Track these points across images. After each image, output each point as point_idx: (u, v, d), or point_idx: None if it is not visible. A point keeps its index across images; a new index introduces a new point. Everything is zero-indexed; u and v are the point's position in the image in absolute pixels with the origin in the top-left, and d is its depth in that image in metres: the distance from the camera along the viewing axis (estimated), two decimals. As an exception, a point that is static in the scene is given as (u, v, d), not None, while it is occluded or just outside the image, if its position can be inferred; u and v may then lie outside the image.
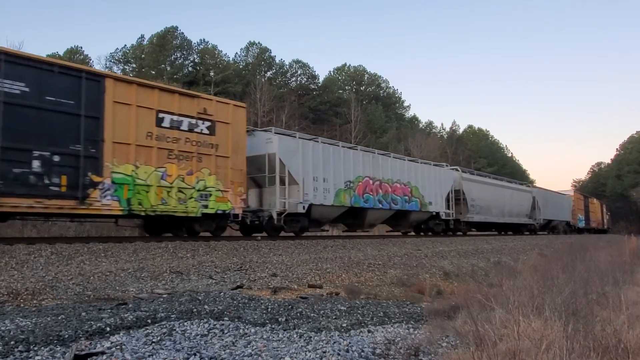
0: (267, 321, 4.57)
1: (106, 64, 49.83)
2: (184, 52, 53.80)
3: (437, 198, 20.98)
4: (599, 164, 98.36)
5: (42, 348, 3.37)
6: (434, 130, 75.35)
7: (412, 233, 21.57)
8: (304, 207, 14.34)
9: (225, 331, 4.02)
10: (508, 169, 79.36)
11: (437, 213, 21.08)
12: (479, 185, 25.02)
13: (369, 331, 4.44)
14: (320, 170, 15.14)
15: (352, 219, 17.49)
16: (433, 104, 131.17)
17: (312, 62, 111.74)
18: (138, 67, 51.22)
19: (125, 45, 55.07)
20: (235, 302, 5.34)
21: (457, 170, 24.11)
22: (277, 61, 59.19)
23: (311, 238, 15.04)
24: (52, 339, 3.56)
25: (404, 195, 18.96)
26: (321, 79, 63.47)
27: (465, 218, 23.11)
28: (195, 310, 4.77)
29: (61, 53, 45.57)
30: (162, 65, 50.79)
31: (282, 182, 13.96)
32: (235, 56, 58.33)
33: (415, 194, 19.57)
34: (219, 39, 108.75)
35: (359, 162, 16.88)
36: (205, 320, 4.33)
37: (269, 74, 57.47)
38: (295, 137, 15.23)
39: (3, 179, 8.68)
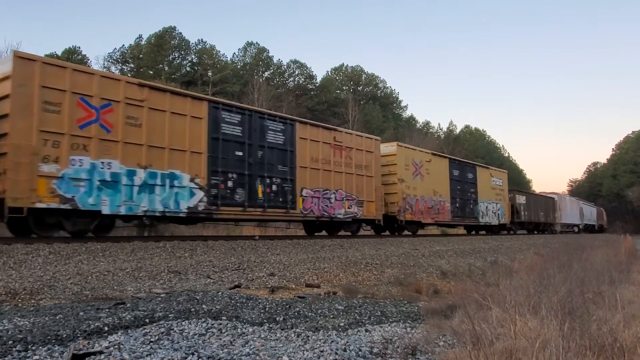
0: (264, 320, 4.58)
1: (104, 64, 49.77)
2: (182, 52, 53.80)
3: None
4: (595, 163, 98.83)
5: (40, 348, 3.36)
6: (431, 130, 75.58)
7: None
8: None
9: (223, 330, 4.02)
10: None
11: None
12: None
13: (366, 330, 4.45)
14: None
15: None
16: (430, 104, 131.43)
17: (310, 62, 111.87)
18: (136, 67, 51.14)
19: (124, 45, 55.05)
20: (233, 301, 5.34)
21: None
22: (275, 61, 59.26)
23: (309, 238, 15.06)
24: (50, 339, 3.56)
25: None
26: (319, 79, 63.61)
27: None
28: (193, 309, 4.77)
29: (59, 53, 45.45)
30: (160, 66, 50.74)
31: None
32: (233, 56, 58.44)
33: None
34: (217, 39, 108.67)
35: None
36: (203, 319, 4.34)
37: (266, 74, 57.50)
38: None
39: None
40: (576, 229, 45.04)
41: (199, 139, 12.21)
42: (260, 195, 13.57)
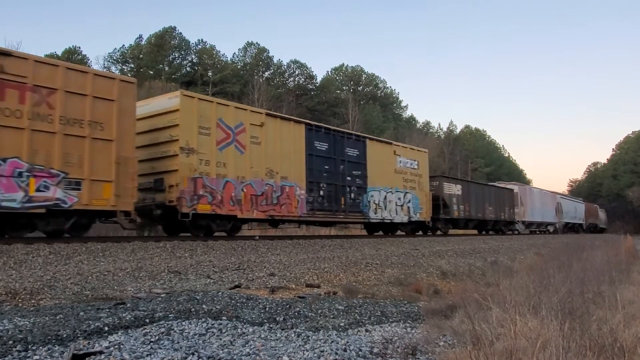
0: (265, 320, 4.58)
1: (104, 64, 49.80)
2: (182, 52, 53.85)
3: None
4: (595, 164, 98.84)
5: (40, 348, 3.36)
6: (431, 130, 75.63)
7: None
8: None
9: (223, 330, 4.02)
10: (505, 169, 79.59)
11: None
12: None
13: (366, 330, 4.45)
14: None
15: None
16: (430, 104, 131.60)
17: (310, 62, 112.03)
18: (136, 67, 51.17)
19: (124, 45, 55.08)
20: (233, 301, 5.34)
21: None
22: (275, 61, 59.28)
23: (309, 238, 15.07)
24: (50, 339, 3.56)
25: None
26: (319, 79, 63.65)
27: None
28: (193, 309, 4.78)
29: (59, 53, 45.49)
30: (160, 66, 50.79)
31: None
32: (233, 56, 58.42)
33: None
34: (217, 39, 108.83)
35: None
36: (203, 319, 4.34)
37: (267, 74, 57.53)
38: None
39: None
40: (551, 229, 36.93)
41: None
42: None
